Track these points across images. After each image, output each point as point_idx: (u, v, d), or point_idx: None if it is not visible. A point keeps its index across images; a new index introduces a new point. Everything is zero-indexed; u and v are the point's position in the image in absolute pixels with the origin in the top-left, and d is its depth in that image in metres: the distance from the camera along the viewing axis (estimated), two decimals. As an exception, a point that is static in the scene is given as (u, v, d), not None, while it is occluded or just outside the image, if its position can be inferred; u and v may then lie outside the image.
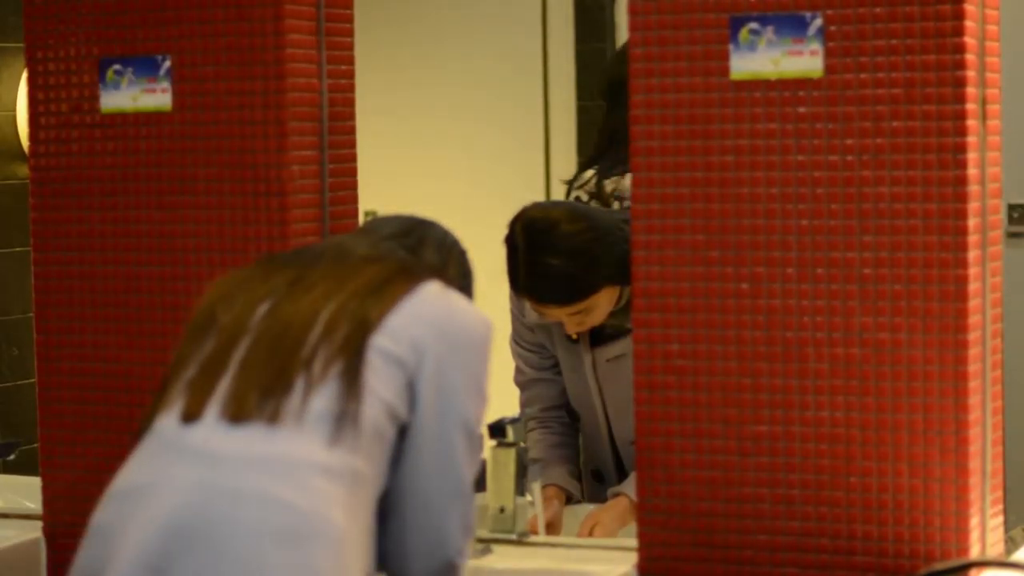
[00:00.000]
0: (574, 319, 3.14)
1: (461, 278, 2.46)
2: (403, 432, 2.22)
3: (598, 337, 3.23)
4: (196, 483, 2.10)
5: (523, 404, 3.36)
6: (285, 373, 2.16)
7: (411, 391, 2.22)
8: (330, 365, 2.17)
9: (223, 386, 2.17)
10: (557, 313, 3.13)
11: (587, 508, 3.23)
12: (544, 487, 3.18)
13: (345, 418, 2.14)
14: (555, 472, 3.26)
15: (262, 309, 2.24)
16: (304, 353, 2.17)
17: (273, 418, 2.13)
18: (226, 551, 2.05)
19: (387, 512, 2.23)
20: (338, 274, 2.27)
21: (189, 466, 2.12)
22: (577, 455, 3.35)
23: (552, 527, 3.12)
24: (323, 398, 2.15)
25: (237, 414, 2.14)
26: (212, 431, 2.14)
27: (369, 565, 2.19)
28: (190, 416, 2.16)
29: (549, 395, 3.34)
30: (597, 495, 3.28)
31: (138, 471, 2.17)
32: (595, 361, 3.26)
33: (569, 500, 3.26)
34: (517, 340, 3.34)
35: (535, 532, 2.98)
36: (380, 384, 2.19)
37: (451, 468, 2.25)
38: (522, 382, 3.36)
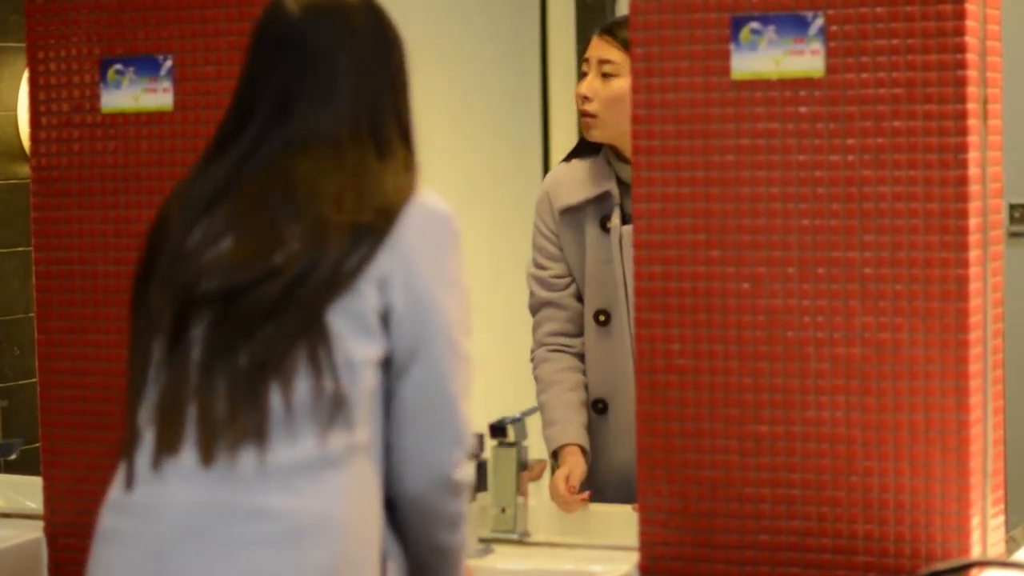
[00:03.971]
0: (596, 82, 3.23)
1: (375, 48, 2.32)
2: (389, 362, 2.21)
3: (629, 219, 3.25)
4: (190, 504, 2.11)
5: (535, 328, 3.36)
6: (257, 394, 2.14)
7: (386, 321, 2.19)
8: (294, 359, 2.14)
9: (192, 421, 2.15)
10: (601, 50, 3.25)
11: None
12: (565, 447, 3.22)
13: (328, 405, 2.13)
14: (572, 429, 3.28)
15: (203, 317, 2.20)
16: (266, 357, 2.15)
17: (260, 440, 2.12)
18: (220, 563, 2.07)
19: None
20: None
21: (181, 493, 2.13)
22: (584, 389, 3.35)
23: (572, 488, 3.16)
24: (301, 393, 2.13)
25: (212, 457, 2.13)
26: (194, 467, 2.14)
27: (382, 533, 2.18)
28: (169, 450, 2.15)
29: (560, 318, 3.35)
30: (596, 427, 3.30)
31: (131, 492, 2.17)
32: (622, 241, 3.27)
33: (585, 456, 3.28)
34: (535, 259, 3.36)
35: (535, 475, 3.09)
36: (352, 346, 2.16)
37: (434, 380, 2.21)
38: (535, 304, 3.36)
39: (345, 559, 2.11)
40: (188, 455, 2.13)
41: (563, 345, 3.33)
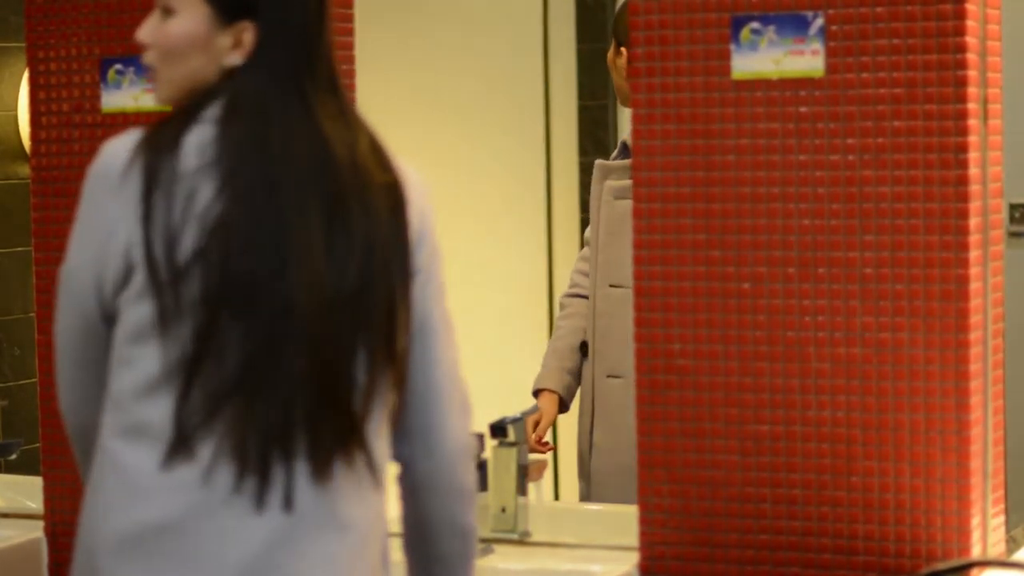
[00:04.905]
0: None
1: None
2: None
3: (611, 172, 3.33)
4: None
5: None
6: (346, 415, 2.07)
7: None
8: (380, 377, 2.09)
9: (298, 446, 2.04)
10: None
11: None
12: (541, 392, 3.32)
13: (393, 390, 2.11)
14: (549, 375, 3.36)
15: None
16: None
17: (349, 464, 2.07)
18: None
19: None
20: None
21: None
22: (582, 332, 3.38)
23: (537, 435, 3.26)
24: (378, 403, 2.09)
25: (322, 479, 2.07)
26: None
27: (384, 511, 2.15)
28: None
29: (578, 281, 3.45)
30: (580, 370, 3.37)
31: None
32: (603, 193, 3.30)
33: (562, 405, 3.35)
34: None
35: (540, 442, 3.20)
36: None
37: (447, 350, 2.17)
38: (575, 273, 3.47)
39: (383, 552, 2.12)
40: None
41: (574, 296, 3.43)
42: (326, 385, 2.02)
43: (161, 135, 2.05)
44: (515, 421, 2.93)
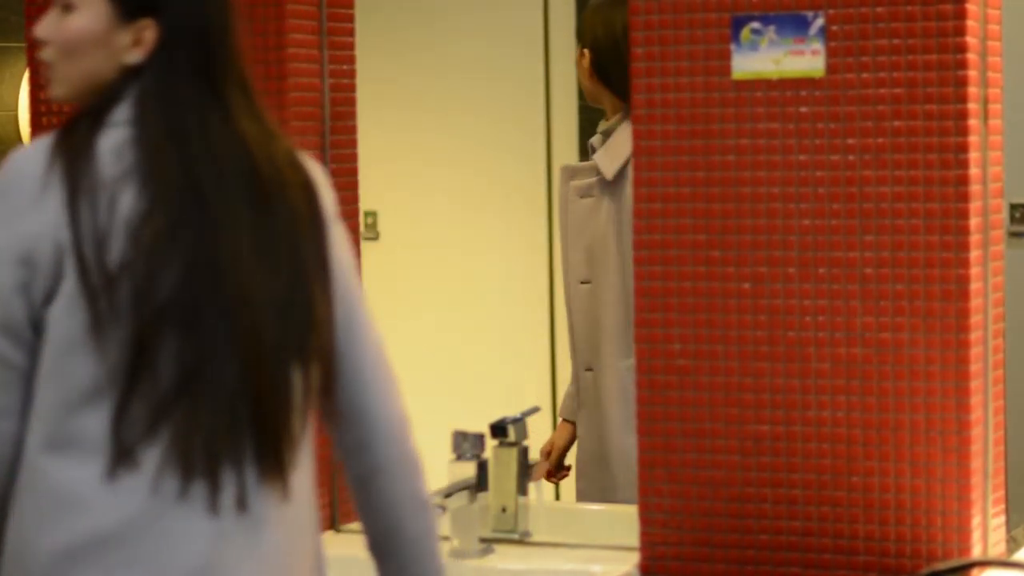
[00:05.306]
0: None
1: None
2: None
3: (576, 173, 3.39)
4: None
5: None
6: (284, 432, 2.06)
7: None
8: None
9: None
10: None
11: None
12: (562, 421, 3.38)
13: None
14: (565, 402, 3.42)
15: None
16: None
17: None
18: None
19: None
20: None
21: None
22: None
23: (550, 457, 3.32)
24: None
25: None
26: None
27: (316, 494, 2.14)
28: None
29: None
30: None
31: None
32: (568, 192, 3.36)
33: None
34: None
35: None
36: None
37: (373, 328, 2.17)
38: None
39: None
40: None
41: None
42: (266, 387, 2.01)
43: (73, 140, 2.00)
44: (515, 421, 2.93)
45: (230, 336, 1.98)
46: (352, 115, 3.01)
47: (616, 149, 3.28)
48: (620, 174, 3.26)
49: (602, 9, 3.37)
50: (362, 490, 2.19)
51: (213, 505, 1.98)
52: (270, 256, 2.02)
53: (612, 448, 3.24)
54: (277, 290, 2.02)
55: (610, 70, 3.31)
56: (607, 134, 3.34)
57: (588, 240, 3.30)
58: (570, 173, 3.40)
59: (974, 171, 2.49)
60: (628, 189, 3.16)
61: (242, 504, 1.99)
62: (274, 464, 2.02)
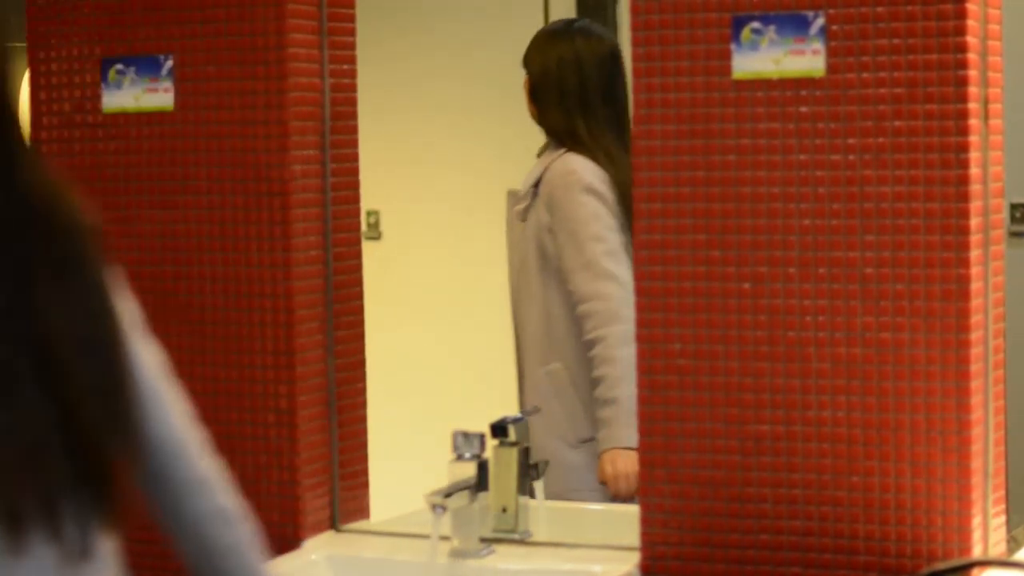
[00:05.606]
0: None
1: None
2: None
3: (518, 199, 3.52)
4: None
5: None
6: None
7: None
8: None
9: None
10: None
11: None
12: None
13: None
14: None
15: None
16: None
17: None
18: None
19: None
20: None
21: None
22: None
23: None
24: None
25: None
26: None
27: None
28: None
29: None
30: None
31: None
32: (512, 217, 3.52)
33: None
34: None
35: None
36: None
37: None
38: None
39: None
40: None
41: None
42: (83, 451, 1.85)
43: None
44: (515, 421, 2.93)
45: (37, 402, 1.83)
46: (353, 115, 3.01)
47: (533, 171, 3.46)
48: (533, 194, 3.43)
49: (542, 39, 3.57)
50: (170, 521, 2.08)
51: (61, 553, 1.83)
52: (73, 315, 1.90)
53: (535, 449, 3.17)
54: (84, 351, 1.89)
55: (540, 98, 3.49)
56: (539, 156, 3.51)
57: (519, 257, 3.49)
58: (514, 199, 3.54)
59: (974, 171, 2.49)
60: (539, 206, 3.40)
61: (86, 551, 1.85)
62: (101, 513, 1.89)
